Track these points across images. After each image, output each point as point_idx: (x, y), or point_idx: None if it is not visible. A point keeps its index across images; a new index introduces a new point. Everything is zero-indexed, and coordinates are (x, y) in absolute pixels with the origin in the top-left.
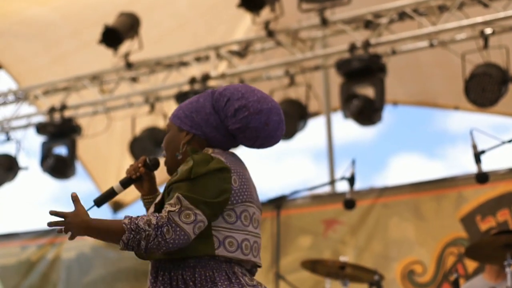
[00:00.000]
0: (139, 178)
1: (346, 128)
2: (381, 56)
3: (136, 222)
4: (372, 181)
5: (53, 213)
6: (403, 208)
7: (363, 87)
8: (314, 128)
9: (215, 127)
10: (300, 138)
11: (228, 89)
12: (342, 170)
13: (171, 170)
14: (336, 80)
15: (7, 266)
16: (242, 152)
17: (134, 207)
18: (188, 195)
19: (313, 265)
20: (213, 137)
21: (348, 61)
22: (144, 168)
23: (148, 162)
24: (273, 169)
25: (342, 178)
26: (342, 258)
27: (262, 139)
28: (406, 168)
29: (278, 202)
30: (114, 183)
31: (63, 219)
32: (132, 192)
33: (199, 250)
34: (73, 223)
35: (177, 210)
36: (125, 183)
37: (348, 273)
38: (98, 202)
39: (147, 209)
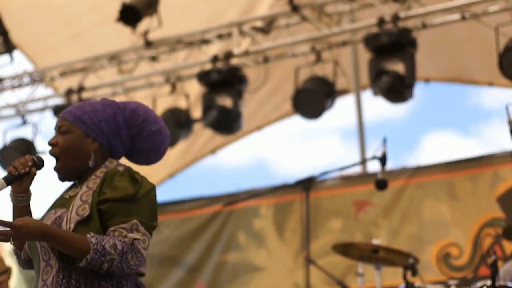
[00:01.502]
0: (27, 174)
1: (376, 106)
2: (411, 30)
3: (103, 244)
4: (404, 160)
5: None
6: (437, 188)
7: (393, 62)
8: (343, 106)
9: (123, 141)
10: (328, 117)
11: (140, 108)
12: (373, 149)
13: (68, 176)
14: (364, 56)
15: None
16: (270, 132)
17: (157, 191)
18: (143, 221)
19: (345, 249)
20: (117, 150)
21: (377, 35)
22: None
23: (36, 161)
24: (301, 150)
25: (373, 158)
26: (375, 241)
27: (156, 160)
28: (439, 147)
29: (307, 184)
30: (134, 166)
31: (11, 229)
32: (155, 175)
33: None
34: (25, 230)
35: (139, 237)
36: (11, 179)
37: (381, 256)
38: None
39: (15, 206)
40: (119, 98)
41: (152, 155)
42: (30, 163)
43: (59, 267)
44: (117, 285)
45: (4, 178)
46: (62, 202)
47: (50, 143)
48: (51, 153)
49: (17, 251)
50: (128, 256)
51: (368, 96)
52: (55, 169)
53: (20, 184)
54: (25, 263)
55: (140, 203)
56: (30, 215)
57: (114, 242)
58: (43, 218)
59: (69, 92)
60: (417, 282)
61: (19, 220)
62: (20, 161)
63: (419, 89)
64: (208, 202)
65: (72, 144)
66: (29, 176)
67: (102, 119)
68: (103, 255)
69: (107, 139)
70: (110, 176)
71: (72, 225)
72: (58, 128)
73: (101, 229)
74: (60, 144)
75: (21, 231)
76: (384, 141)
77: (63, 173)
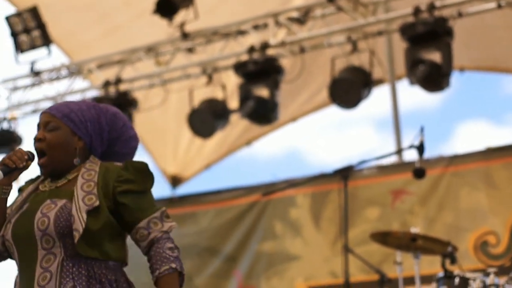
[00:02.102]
0: (23, 168)
1: (410, 96)
2: (447, 19)
3: (179, 257)
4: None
5: None
6: (474, 177)
7: (429, 52)
8: (376, 96)
9: (102, 143)
10: (362, 107)
11: (120, 113)
12: (408, 139)
13: (53, 171)
14: (399, 45)
15: None
16: (304, 122)
17: (193, 181)
18: (163, 211)
19: (383, 237)
20: (95, 151)
21: (413, 25)
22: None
23: (30, 155)
24: (334, 140)
25: (411, 147)
26: (413, 230)
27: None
28: (473, 136)
29: (345, 173)
30: (171, 157)
31: None
32: (191, 166)
33: (120, 255)
34: None
35: (172, 224)
36: (6, 172)
37: (419, 245)
38: None
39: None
40: (157, 90)
41: (125, 159)
42: (26, 157)
43: (65, 255)
44: (115, 275)
45: (1, 170)
46: (55, 193)
47: (37, 138)
48: (38, 147)
49: None
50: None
51: (402, 86)
52: (42, 163)
53: (9, 177)
54: None
55: (151, 194)
56: (5, 208)
57: (170, 246)
58: (12, 206)
59: (106, 84)
60: (456, 270)
61: None
62: (16, 154)
63: (454, 78)
64: (245, 192)
65: (60, 140)
66: (21, 170)
67: (87, 119)
68: (181, 266)
69: (90, 139)
70: (114, 170)
71: (84, 214)
72: (45, 124)
73: (111, 220)
74: (49, 139)
75: None
76: (422, 130)
77: (49, 169)
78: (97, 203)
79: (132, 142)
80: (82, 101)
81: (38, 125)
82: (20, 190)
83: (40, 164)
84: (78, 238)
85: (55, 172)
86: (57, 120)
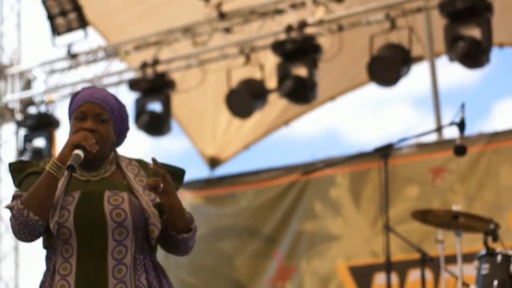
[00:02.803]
0: (91, 152)
1: (448, 73)
2: None
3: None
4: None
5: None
6: None
7: (469, 28)
8: (414, 74)
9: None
10: (400, 85)
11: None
12: (448, 116)
13: (94, 162)
14: (438, 22)
15: None
16: (341, 102)
17: (232, 163)
18: None
19: (424, 216)
20: (117, 144)
21: (452, 1)
22: None
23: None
24: (371, 119)
25: (452, 123)
26: (455, 207)
27: None
28: None
29: (386, 151)
30: (209, 138)
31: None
32: (229, 147)
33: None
34: (169, 183)
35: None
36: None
37: (461, 222)
38: (72, 168)
39: (54, 177)
40: (194, 71)
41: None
42: (95, 143)
43: (136, 247)
44: (161, 267)
45: (82, 152)
46: (109, 184)
47: (90, 129)
48: (81, 139)
49: (36, 221)
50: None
51: (441, 63)
52: (89, 154)
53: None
54: (35, 235)
55: None
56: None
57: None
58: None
59: (143, 66)
60: (498, 247)
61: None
62: (90, 139)
63: (493, 55)
64: (284, 172)
65: (109, 134)
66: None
67: (123, 117)
68: (194, 233)
69: (119, 134)
70: (148, 167)
71: (154, 209)
72: (96, 115)
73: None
74: (101, 132)
75: (169, 182)
76: (462, 106)
77: (96, 159)
78: (158, 199)
79: (127, 133)
80: (115, 96)
81: (84, 113)
82: (40, 172)
83: (86, 154)
84: (157, 233)
85: (94, 163)
86: (106, 113)
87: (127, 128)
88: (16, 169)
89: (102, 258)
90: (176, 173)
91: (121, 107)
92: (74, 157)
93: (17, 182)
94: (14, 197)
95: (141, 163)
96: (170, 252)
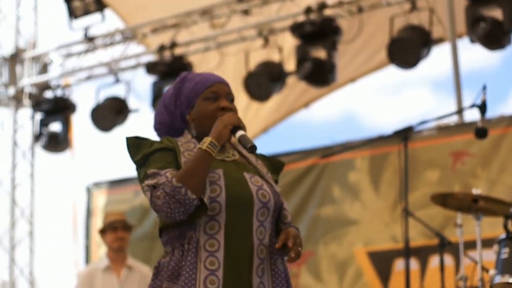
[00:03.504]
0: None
1: (468, 55)
2: None
3: None
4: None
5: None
6: None
7: (490, 9)
8: (433, 56)
9: None
10: (419, 67)
11: None
12: (469, 99)
13: (225, 144)
14: (460, 3)
15: None
16: (359, 84)
17: None
18: None
19: (444, 199)
20: None
21: None
22: None
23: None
24: (390, 102)
25: (473, 106)
26: (475, 191)
27: None
28: None
29: (405, 134)
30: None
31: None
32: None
33: None
34: None
35: None
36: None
37: (481, 206)
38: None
39: (210, 158)
40: (212, 53)
41: None
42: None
43: (271, 230)
44: None
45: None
46: (243, 166)
47: (228, 107)
48: (237, 120)
49: (192, 200)
50: None
51: (462, 44)
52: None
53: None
54: (187, 214)
55: None
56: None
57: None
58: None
59: (161, 48)
60: None
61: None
62: (242, 122)
63: None
64: (302, 155)
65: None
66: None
67: None
68: None
69: None
70: (259, 156)
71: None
72: (227, 94)
73: None
74: (236, 111)
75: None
76: (484, 88)
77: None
78: (279, 189)
79: None
80: None
81: (217, 93)
82: (168, 149)
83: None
84: (289, 219)
85: (224, 144)
86: (232, 94)
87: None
88: (133, 145)
89: (248, 237)
90: (276, 166)
91: None
92: (247, 137)
93: (141, 156)
94: (151, 175)
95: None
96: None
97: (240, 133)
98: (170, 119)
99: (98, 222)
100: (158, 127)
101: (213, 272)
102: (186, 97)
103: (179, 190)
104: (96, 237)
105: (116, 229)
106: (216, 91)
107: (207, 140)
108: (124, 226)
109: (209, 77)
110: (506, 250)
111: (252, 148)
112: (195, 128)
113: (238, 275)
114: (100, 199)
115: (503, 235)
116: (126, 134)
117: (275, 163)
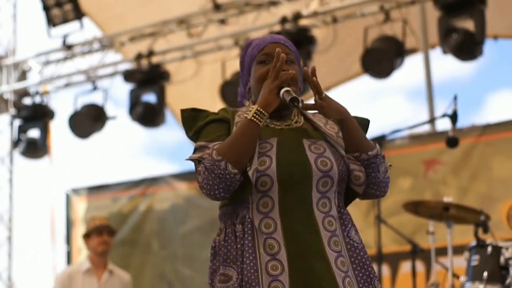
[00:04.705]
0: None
1: (442, 65)
2: None
3: None
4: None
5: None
6: (507, 146)
7: (462, 20)
8: (407, 66)
9: None
10: (394, 77)
11: None
12: (441, 109)
13: (286, 111)
14: (432, 14)
15: None
16: (335, 93)
17: None
18: None
19: (416, 207)
20: None
21: None
22: None
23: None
24: (365, 110)
25: (444, 115)
26: (446, 199)
27: None
28: (507, 105)
29: (378, 142)
30: None
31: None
32: None
33: None
34: (328, 99)
35: None
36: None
37: (452, 214)
38: (297, 101)
39: (258, 126)
40: (189, 62)
41: None
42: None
43: (338, 200)
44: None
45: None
46: (304, 132)
47: (284, 70)
48: (285, 79)
49: (234, 175)
50: None
51: (435, 55)
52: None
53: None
54: (229, 191)
55: None
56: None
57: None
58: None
59: (138, 57)
60: (488, 239)
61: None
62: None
63: (487, 47)
64: None
65: (299, 77)
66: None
67: (301, 66)
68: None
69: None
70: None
71: (350, 161)
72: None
73: None
74: (293, 74)
75: (325, 99)
76: (455, 98)
77: (287, 107)
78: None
79: None
80: None
81: (270, 55)
82: (223, 120)
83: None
84: (363, 178)
85: (284, 111)
86: (293, 53)
87: (302, 79)
88: (189, 118)
89: (308, 212)
90: (361, 123)
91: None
92: (289, 92)
93: (194, 130)
94: (198, 148)
95: (325, 115)
96: (367, 192)
97: (282, 90)
98: (244, 90)
99: (78, 228)
100: (239, 100)
101: (274, 257)
102: (246, 63)
103: (219, 164)
104: (77, 243)
105: (101, 233)
106: (269, 52)
107: (254, 108)
108: (110, 231)
109: (265, 38)
110: (476, 257)
111: (294, 101)
112: (253, 96)
113: (303, 256)
114: (80, 205)
115: (473, 243)
116: (103, 141)
117: (359, 121)
